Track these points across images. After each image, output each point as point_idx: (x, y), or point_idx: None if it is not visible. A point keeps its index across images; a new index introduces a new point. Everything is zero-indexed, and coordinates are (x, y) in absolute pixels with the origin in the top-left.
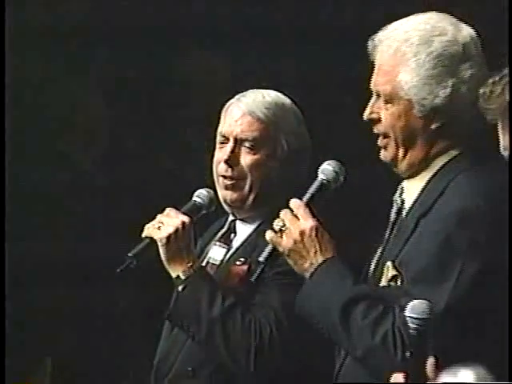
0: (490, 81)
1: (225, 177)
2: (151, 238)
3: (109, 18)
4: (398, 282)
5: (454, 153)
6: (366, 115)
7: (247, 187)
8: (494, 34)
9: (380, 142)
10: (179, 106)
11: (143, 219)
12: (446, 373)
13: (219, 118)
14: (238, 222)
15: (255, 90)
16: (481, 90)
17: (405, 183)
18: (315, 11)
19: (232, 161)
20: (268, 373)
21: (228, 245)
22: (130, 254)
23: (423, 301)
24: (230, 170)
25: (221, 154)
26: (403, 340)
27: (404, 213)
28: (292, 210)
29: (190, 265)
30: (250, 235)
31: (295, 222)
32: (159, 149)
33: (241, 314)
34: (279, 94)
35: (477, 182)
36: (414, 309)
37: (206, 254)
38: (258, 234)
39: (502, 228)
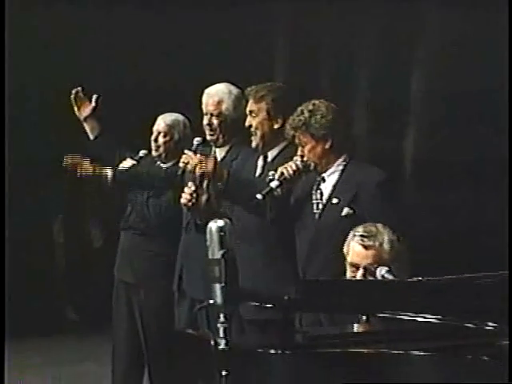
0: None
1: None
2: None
3: None
4: None
5: (236, 140)
6: (205, 123)
7: (163, 155)
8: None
9: (211, 132)
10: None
11: None
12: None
13: None
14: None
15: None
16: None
17: (217, 150)
18: None
19: (156, 141)
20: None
21: None
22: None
23: None
24: (155, 144)
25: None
26: None
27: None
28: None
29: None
30: None
31: (205, 159)
32: None
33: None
34: (179, 115)
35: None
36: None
37: None
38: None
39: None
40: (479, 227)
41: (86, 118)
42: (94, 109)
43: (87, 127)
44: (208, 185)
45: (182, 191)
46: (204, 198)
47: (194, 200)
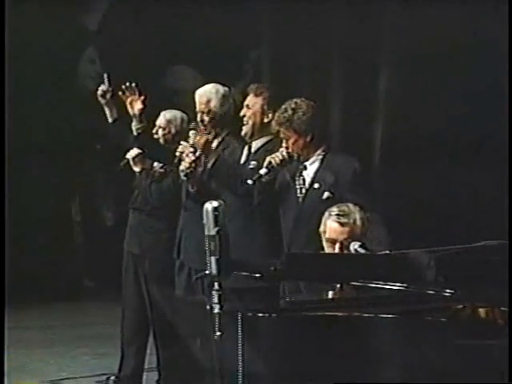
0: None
1: None
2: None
3: None
4: None
5: (226, 132)
6: (198, 120)
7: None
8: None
9: (204, 129)
10: None
11: None
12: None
13: None
14: None
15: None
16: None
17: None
18: None
19: (157, 134)
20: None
21: None
22: (121, 164)
23: None
24: (156, 136)
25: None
26: None
27: None
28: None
29: (141, 167)
30: None
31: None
32: None
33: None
34: (178, 112)
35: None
36: None
37: None
38: None
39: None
40: (438, 208)
41: (106, 103)
42: (112, 95)
43: (107, 111)
44: (205, 160)
45: (178, 178)
46: (200, 169)
47: (192, 169)
